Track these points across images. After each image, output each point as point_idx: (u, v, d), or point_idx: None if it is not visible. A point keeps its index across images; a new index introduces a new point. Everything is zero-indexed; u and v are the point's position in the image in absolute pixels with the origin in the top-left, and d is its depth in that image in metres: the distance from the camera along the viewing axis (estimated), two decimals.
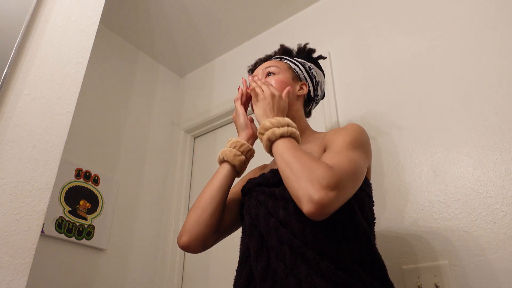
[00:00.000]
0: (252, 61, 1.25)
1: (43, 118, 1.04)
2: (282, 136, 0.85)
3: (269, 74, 1.09)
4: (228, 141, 1.05)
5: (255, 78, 1.05)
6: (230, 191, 1.07)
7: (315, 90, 1.14)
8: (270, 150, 0.87)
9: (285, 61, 1.15)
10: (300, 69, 1.13)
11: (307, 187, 0.71)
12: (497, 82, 1.25)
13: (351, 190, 0.77)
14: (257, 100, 0.97)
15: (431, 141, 1.31)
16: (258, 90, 0.99)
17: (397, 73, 1.50)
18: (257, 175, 1.06)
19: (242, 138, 1.05)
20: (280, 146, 0.84)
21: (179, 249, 1.86)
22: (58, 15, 1.17)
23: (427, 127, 1.33)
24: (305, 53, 1.20)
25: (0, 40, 1.03)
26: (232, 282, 0.89)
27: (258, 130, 0.90)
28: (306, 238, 0.78)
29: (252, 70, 1.23)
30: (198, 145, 2.19)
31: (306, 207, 0.70)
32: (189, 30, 2.13)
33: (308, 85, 1.13)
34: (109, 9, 1.87)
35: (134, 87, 2.14)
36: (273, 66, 1.12)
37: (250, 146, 1.04)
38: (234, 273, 0.90)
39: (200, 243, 0.94)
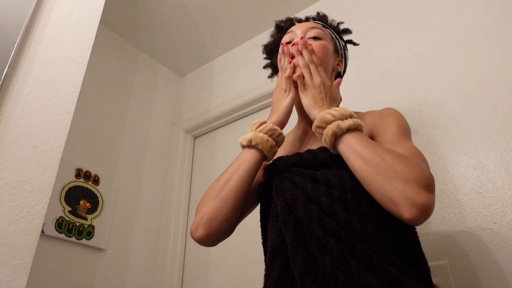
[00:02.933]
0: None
1: (43, 118, 1.04)
2: (348, 129, 0.75)
3: (314, 38, 0.95)
4: (257, 123, 0.86)
5: (300, 58, 0.88)
6: None
7: (344, 72, 1.05)
8: (333, 146, 0.77)
9: (329, 30, 1.03)
10: (339, 44, 1.03)
11: (404, 189, 0.64)
12: (497, 82, 1.25)
13: None
14: (305, 88, 0.85)
15: (432, 141, 1.31)
16: (306, 76, 0.86)
17: (397, 73, 1.50)
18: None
19: (276, 123, 0.87)
20: (351, 142, 0.73)
21: (179, 249, 1.87)
22: (58, 15, 1.17)
23: (427, 127, 1.34)
24: (341, 32, 1.09)
25: (0, 40, 1.03)
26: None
27: (315, 123, 0.78)
28: (354, 230, 0.70)
29: (284, 28, 1.07)
30: (198, 145, 2.19)
31: (410, 212, 0.63)
32: (189, 30, 2.13)
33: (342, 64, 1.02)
34: (109, 9, 1.87)
35: (134, 87, 2.14)
36: (319, 29, 0.97)
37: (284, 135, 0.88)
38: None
39: (218, 237, 0.82)
